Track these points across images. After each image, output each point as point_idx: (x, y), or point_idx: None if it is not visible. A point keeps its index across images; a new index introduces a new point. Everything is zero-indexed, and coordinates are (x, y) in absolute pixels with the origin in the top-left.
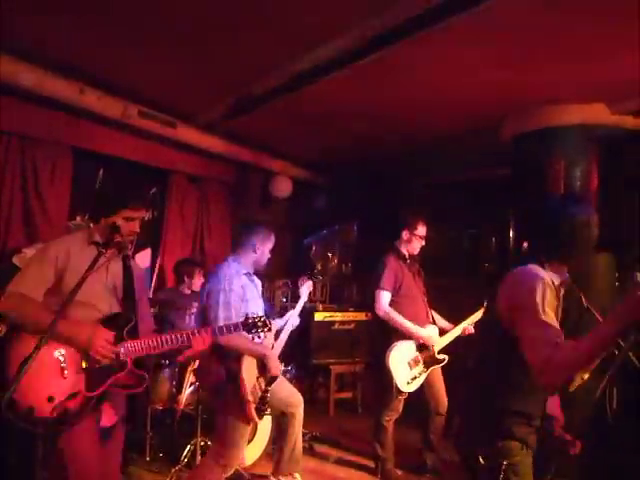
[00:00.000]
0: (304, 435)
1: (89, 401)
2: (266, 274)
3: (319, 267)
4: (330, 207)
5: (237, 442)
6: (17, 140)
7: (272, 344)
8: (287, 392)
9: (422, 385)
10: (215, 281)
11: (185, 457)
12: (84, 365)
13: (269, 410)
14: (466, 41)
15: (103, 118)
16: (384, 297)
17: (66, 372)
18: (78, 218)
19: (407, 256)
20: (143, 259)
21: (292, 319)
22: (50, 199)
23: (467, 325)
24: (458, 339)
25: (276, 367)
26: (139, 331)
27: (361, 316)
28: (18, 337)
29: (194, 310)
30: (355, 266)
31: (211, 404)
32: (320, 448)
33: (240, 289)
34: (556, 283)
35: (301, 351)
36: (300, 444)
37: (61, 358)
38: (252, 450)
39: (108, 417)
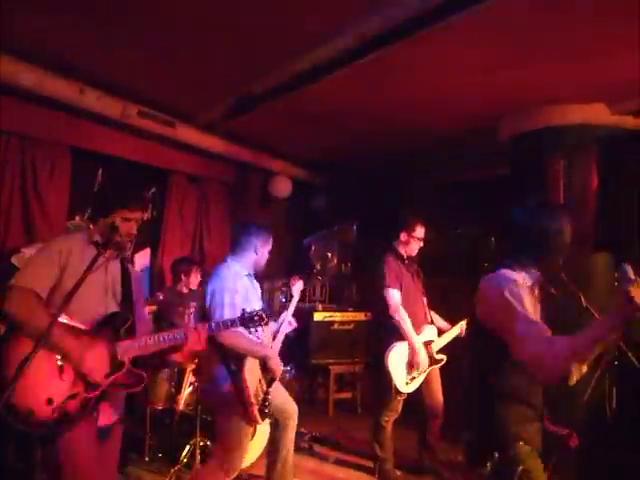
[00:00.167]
0: (303, 435)
1: (88, 402)
2: (265, 275)
3: (318, 267)
4: (330, 207)
5: (240, 444)
6: (17, 140)
7: (270, 345)
8: (282, 399)
9: (420, 385)
10: (218, 281)
11: (184, 457)
12: None
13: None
14: (466, 41)
15: (103, 118)
16: (395, 295)
17: (64, 373)
18: (77, 218)
19: (405, 257)
20: (142, 258)
21: (286, 320)
22: (49, 199)
23: (465, 325)
24: (457, 339)
25: (278, 367)
26: (137, 332)
27: (360, 316)
28: (16, 337)
29: (192, 310)
30: (354, 266)
31: (212, 405)
32: (319, 448)
33: (243, 290)
34: (528, 283)
35: (300, 351)
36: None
37: (59, 357)
38: (250, 451)
39: (106, 416)
